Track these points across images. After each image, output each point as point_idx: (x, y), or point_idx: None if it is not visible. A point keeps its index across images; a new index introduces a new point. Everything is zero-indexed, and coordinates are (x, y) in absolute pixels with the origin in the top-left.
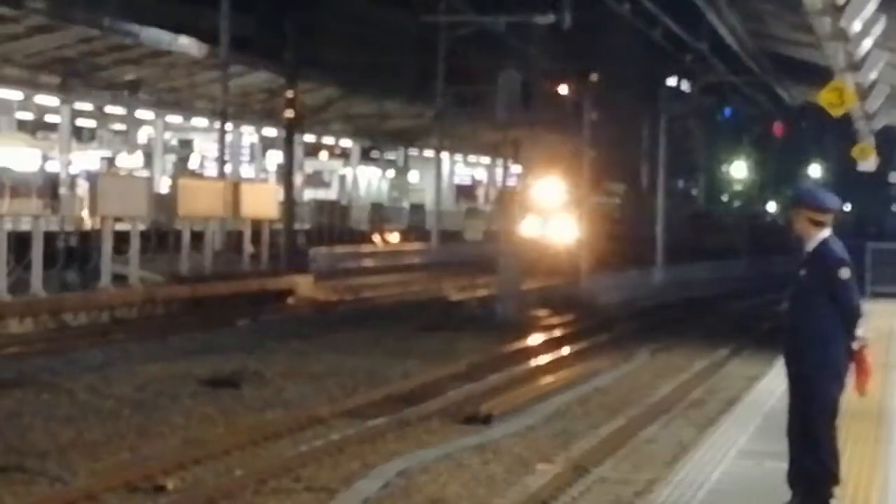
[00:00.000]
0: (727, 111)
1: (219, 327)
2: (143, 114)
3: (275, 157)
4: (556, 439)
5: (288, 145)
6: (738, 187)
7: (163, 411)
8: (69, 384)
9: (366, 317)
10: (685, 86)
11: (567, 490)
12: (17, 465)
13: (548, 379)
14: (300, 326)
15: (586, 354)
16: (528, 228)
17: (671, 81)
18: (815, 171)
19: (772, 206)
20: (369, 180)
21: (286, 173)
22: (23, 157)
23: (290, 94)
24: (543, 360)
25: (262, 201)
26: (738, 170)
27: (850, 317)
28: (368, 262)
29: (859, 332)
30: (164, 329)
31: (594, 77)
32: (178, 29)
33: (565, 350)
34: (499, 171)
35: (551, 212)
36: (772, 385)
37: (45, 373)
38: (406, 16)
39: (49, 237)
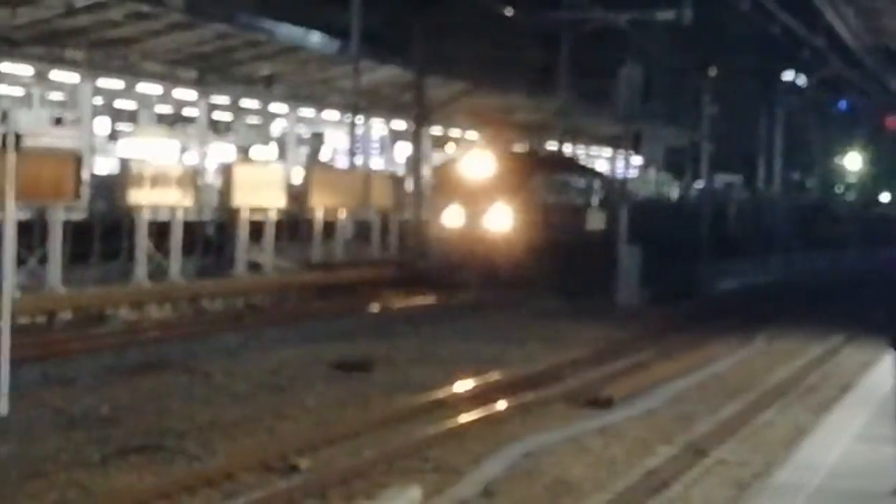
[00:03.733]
0: (842, 104)
1: (349, 314)
2: (276, 107)
3: (403, 150)
4: (676, 422)
5: (416, 138)
6: (851, 179)
7: (296, 394)
8: (206, 367)
9: (490, 303)
10: (801, 80)
11: (686, 472)
12: (157, 445)
13: (667, 364)
14: (427, 313)
15: (704, 340)
16: (453, 218)
17: (788, 76)
18: None
19: (885, 197)
20: None
21: (415, 165)
22: (162, 149)
23: (418, 88)
24: (662, 345)
25: (391, 192)
26: (852, 161)
27: None
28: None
29: None
30: (296, 315)
31: (712, 71)
32: (310, 25)
33: (683, 336)
34: (620, 163)
35: (489, 197)
36: (886, 371)
37: (184, 356)
38: (530, 12)
39: (187, 226)
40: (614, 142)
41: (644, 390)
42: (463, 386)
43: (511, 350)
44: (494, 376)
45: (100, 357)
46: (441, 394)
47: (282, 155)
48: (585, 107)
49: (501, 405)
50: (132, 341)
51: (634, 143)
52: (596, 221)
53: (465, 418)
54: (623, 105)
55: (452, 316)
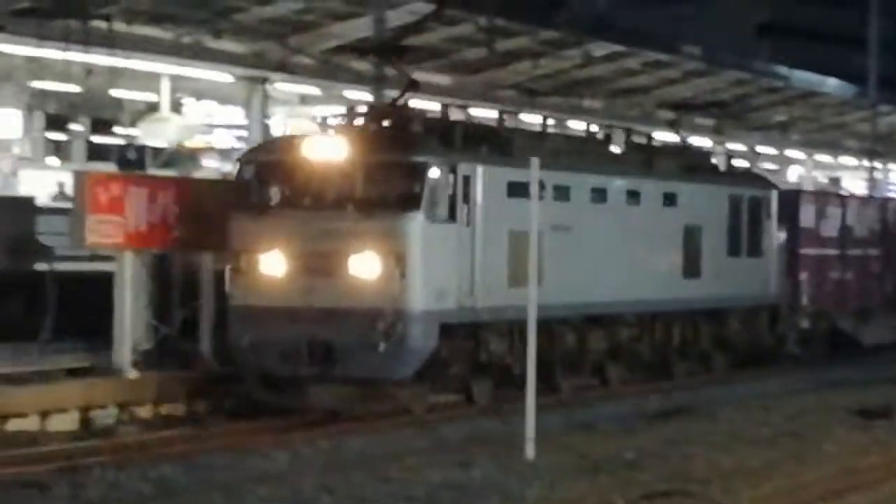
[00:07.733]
0: None
1: (862, 362)
2: (792, 153)
3: None
4: None
5: None
6: None
7: (816, 440)
8: (727, 413)
9: None
10: None
11: None
12: (682, 490)
13: None
14: None
15: None
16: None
17: None
18: None
19: None
20: None
21: None
22: None
23: None
24: None
25: None
26: None
27: None
28: None
29: None
30: (816, 362)
31: None
32: (825, 70)
33: None
34: None
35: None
36: None
37: (704, 403)
38: None
39: None
40: None
41: None
42: None
43: None
44: None
45: (621, 403)
46: None
47: None
48: None
49: None
50: (656, 389)
51: None
52: None
53: None
54: None
55: None
